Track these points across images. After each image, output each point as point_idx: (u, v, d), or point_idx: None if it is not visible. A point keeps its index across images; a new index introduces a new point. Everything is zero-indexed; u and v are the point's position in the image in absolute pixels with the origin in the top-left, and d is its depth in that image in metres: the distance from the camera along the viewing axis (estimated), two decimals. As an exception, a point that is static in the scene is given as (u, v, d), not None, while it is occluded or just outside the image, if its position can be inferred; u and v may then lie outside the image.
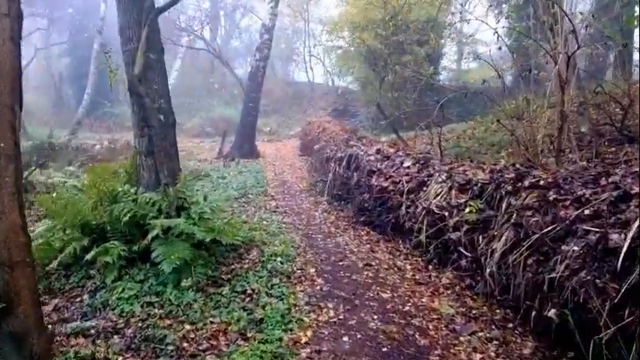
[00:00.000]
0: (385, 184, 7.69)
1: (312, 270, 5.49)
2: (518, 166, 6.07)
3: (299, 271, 5.42)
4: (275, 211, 9.05)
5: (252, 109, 17.26)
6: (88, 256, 4.90)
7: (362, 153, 9.18)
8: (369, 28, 16.06)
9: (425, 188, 6.79)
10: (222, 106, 29.53)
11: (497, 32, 7.56)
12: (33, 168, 10.45)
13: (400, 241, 6.92)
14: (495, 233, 5.04)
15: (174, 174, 5.75)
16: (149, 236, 4.90)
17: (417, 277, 5.51)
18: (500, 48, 8.08)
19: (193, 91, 31.32)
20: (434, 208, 6.19)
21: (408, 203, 6.87)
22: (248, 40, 38.29)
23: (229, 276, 5.16)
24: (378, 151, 8.96)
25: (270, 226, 7.67)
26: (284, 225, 7.88)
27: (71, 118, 28.43)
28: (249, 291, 4.75)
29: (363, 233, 7.50)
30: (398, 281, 5.30)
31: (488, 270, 4.83)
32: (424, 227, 6.22)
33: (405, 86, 15.05)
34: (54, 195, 5.75)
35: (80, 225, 5.33)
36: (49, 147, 14.62)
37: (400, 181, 7.37)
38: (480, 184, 5.71)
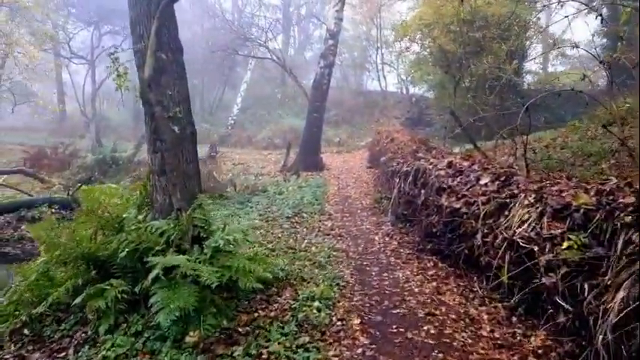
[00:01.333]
0: (457, 205, 6.32)
1: (356, 322, 4.27)
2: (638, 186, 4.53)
3: (338, 324, 4.22)
4: (329, 234, 7.93)
5: (316, 119, 16.29)
6: (77, 300, 4.00)
7: (430, 167, 7.84)
8: (442, 25, 14.56)
9: (506, 212, 5.38)
10: (292, 117, 28.95)
11: (601, 15, 6.00)
12: (79, 184, 10.05)
13: (475, 278, 5.55)
14: (609, 282, 3.60)
15: (192, 196, 4.79)
16: (150, 276, 3.92)
17: (497, 334, 4.13)
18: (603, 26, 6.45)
19: (264, 102, 31.05)
20: (519, 240, 4.78)
21: (485, 231, 5.49)
22: (320, 50, 37.65)
23: (248, 328, 4.06)
24: (450, 165, 7.58)
25: (317, 255, 6.54)
26: (335, 253, 6.72)
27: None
28: (264, 355, 3.62)
29: (429, 265, 6.17)
30: (470, 341, 3.96)
31: (600, 337, 3.41)
32: (506, 264, 4.83)
33: (483, 89, 13.39)
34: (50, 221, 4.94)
35: (81, 258, 4.47)
36: (111, 161, 14.44)
37: (475, 202, 5.99)
38: (582, 211, 4.25)
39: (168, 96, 4.70)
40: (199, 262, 4.09)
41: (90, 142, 23.06)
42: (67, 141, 19.06)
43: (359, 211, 9.86)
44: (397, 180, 8.92)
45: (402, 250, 6.90)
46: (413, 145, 11.08)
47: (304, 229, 8.29)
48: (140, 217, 4.80)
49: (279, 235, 7.91)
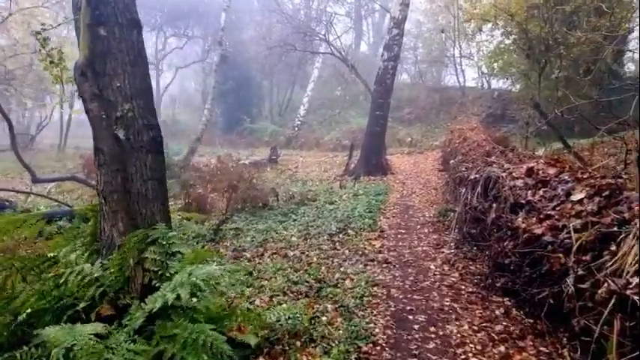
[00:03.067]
0: (538, 230, 4.58)
1: None
2: None
3: None
4: (373, 260, 6.39)
5: (379, 117, 14.67)
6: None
7: (504, 174, 6.07)
8: (523, 1, 12.34)
9: (613, 247, 3.62)
10: (363, 116, 27.38)
11: None
12: None
13: (565, 340, 3.82)
14: None
15: (150, 226, 3.49)
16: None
17: None
18: None
19: (333, 102, 29.74)
20: (635, 297, 3.06)
21: (580, 272, 3.76)
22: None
23: None
24: (530, 173, 5.77)
25: (348, 293, 5.06)
26: (373, 290, 5.20)
27: (215, 135, 28.91)
28: None
29: (497, 314, 4.49)
30: None
31: None
32: (615, 334, 3.10)
33: (575, 76, 11.08)
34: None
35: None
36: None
37: (565, 226, 4.25)
38: None
39: (114, 89, 3.44)
40: (124, 333, 2.75)
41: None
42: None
43: (418, 227, 8.21)
44: (463, 190, 7.19)
45: (462, 287, 5.23)
46: (486, 145, 9.21)
47: (345, 251, 6.80)
48: (86, 255, 3.57)
49: (313, 260, 6.49)
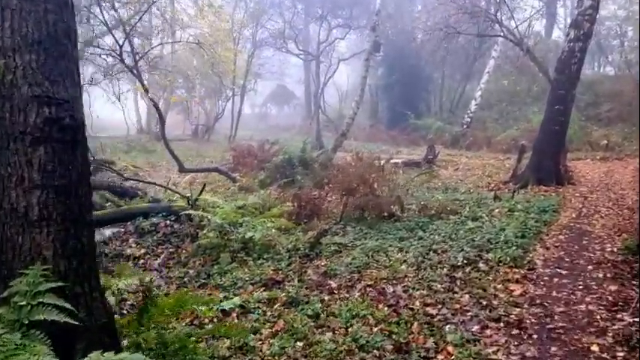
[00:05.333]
0: None
1: None
2: None
3: None
4: (500, 319, 4.25)
5: (559, 113, 11.61)
6: None
7: None
8: None
9: None
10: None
11: None
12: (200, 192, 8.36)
13: None
14: None
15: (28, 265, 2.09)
16: None
17: None
18: None
19: (513, 97, 26.07)
20: None
21: None
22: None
23: None
24: None
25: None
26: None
27: (380, 131, 27.49)
28: None
29: None
30: None
31: None
32: None
33: None
34: None
35: None
36: (298, 163, 12.76)
37: None
38: None
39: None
40: None
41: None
42: (272, 138, 18.45)
43: (590, 268, 5.65)
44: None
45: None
46: None
47: (464, 298, 4.74)
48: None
49: (415, 305, 4.61)
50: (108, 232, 7.81)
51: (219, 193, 11.65)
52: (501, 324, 4.14)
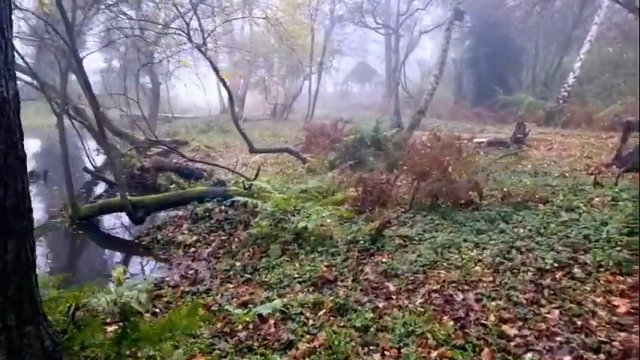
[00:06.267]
0: None
1: None
2: None
3: None
4: (599, 349, 3.29)
5: (677, 83, 9.84)
6: None
7: None
8: None
9: None
10: (662, 85, 20.59)
11: None
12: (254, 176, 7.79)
13: None
14: None
15: None
16: None
17: None
18: None
19: (621, 68, 23.25)
20: None
21: None
22: None
23: None
24: None
25: None
26: None
27: (467, 110, 25.67)
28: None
29: None
30: None
31: None
32: None
33: None
34: None
35: None
36: (370, 142, 11.98)
37: None
38: None
39: None
40: None
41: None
42: (345, 117, 17.65)
43: None
44: None
45: None
46: None
47: (552, 314, 3.80)
48: None
49: (489, 319, 3.75)
50: (163, 215, 7.58)
51: (286, 175, 11.19)
52: (601, 355, 3.20)
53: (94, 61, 31.92)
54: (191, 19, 11.13)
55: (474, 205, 7.18)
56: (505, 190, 7.62)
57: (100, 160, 13.92)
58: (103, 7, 9.98)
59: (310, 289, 4.69)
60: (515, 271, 4.71)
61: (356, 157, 11.41)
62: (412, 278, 4.77)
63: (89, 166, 10.99)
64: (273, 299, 4.40)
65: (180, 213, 7.90)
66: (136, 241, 7.47)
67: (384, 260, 5.32)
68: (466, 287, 4.47)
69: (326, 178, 8.51)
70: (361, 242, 5.80)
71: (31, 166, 13.39)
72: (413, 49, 24.71)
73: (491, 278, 4.61)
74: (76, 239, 8.01)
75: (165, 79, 23.59)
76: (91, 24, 12.71)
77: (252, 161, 13.31)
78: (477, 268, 4.88)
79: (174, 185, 9.95)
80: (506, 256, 5.10)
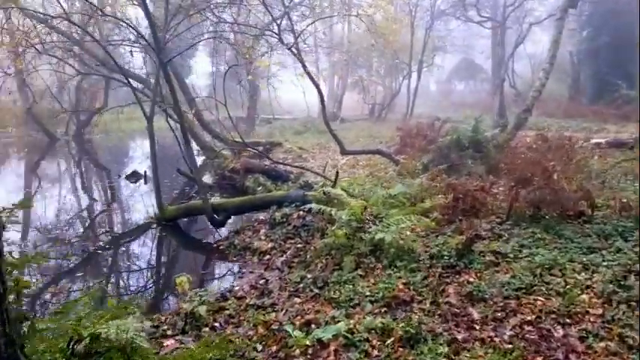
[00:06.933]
0: None
1: None
2: None
3: None
4: None
5: None
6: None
7: None
8: None
9: None
10: None
11: None
12: (333, 182, 7.33)
13: None
14: None
15: None
16: None
17: None
18: None
19: None
20: None
21: None
22: None
23: None
24: None
25: None
26: None
27: (583, 106, 23.32)
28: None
29: None
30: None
31: None
32: None
33: None
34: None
35: None
36: (467, 144, 11.10)
37: None
38: None
39: None
40: None
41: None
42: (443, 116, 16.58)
43: None
44: None
45: None
46: None
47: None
48: None
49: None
50: (247, 217, 7.51)
51: (376, 178, 10.70)
52: None
53: (201, 65, 33.59)
54: (281, 19, 11.02)
55: (584, 218, 6.20)
56: (625, 200, 6.49)
57: (200, 161, 14.39)
58: (191, 12, 10.11)
59: (382, 310, 4.19)
60: (632, 303, 3.86)
61: (451, 160, 10.61)
62: (502, 304, 4.09)
63: (184, 168, 11.28)
64: (339, 321, 3.96)
65: (261, 217, 7.76)
66: (215, 245, 7.43)
67: (470, 280, 4.67)
68: (568, 320, 3.73)
69: (415, 183, 7.89)
70: (446, 257, 5.17)
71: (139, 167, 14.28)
72: (522, 42, 22.90)
73: (600, 311, 3.81)
74: (162, 241, 8.24)
75: (265, 81, 24.00)
76: (191, 30, 13.02)
77: (342, 163, 12.98)
78: (584, 296, 4.07)
79: (260, 187, 9.89)
80: (622, 283, 4.21)
